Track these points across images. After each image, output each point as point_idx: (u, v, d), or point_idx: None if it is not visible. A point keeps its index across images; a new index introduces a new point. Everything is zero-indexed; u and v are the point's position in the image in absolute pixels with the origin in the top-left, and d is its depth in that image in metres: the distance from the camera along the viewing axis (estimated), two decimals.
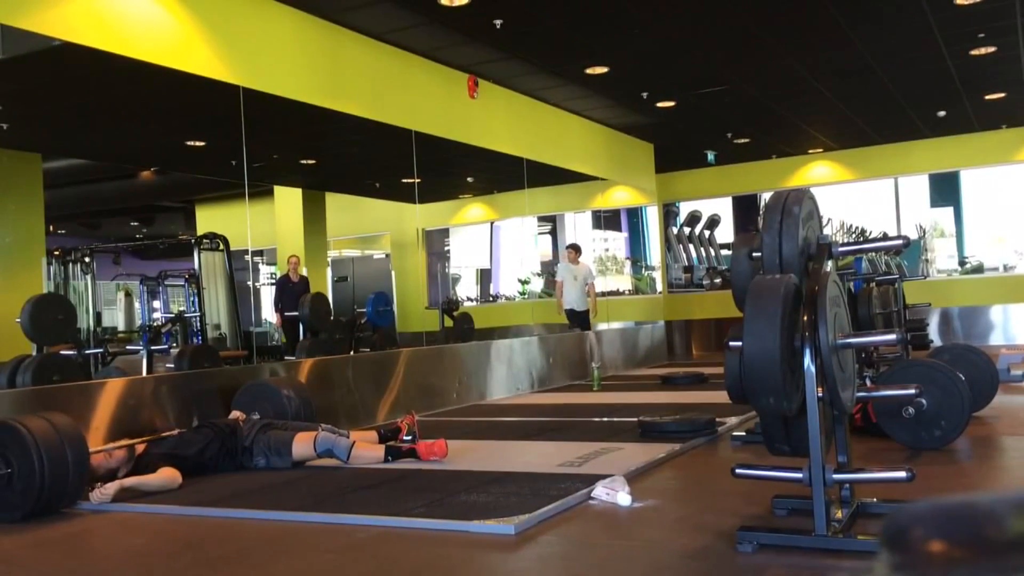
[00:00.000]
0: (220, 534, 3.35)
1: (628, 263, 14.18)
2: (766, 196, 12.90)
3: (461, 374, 7.53)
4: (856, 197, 12.76)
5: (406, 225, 13.38)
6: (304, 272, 10.60)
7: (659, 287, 13.10)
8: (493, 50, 7.36)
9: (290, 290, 9.85)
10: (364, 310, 10.70)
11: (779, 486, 3.00)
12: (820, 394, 2.59)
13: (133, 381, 5.14)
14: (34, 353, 6.75)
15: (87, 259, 9.44)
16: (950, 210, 12.82)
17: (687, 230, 13.87)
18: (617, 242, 14.55)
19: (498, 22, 6.59)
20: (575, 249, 10.81)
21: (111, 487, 3.86)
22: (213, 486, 4.08)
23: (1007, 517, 0.62)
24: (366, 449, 4.46)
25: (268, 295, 12.34)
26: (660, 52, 7.70)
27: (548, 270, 13.76)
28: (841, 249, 2.91)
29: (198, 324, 9.76)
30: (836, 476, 2.66)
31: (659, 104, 9.50)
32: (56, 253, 9.34)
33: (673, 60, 7.97)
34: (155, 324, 10.83)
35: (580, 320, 10.56)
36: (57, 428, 3.73)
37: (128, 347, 8.62)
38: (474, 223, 13.92)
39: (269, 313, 11.80)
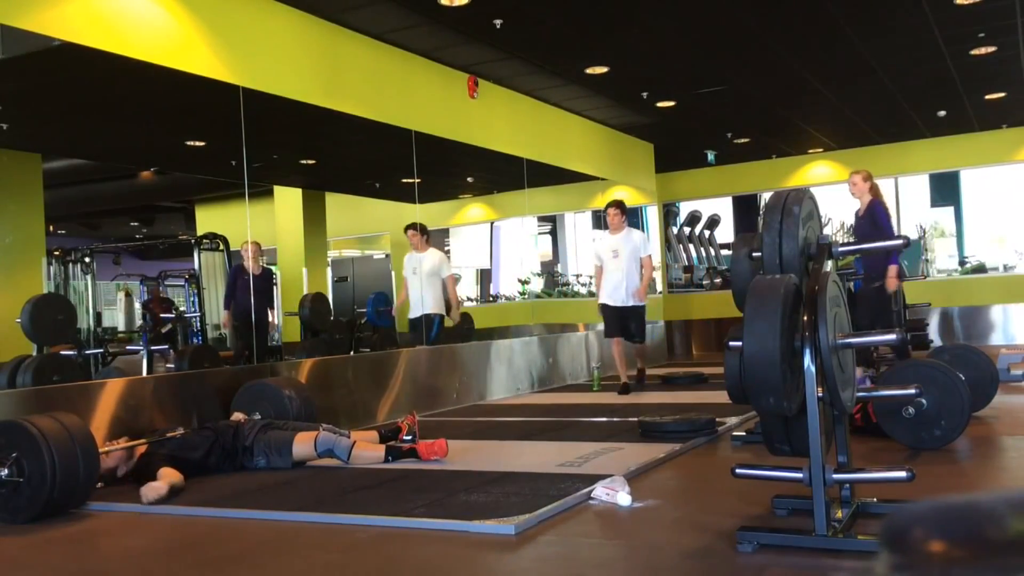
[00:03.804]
0: (220, 534, 3.35)
1: None
2: (766, 196, 12.90)
3: (461, 374, 7.53)
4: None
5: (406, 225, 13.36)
6: (267, 264, 8.84)
7: (659, 287, 13.10)
8: (493, 50, 7.36)
9: (244, 283, 8.15)
10: (364, 310, 10.69)
11: (779, 486, 3.00)
12: (820, 394, 2.59)
13: (133, 381, 5.14)
14: (34, 353, 6.75)
15: (87, 259, 9.44)
16: (950, 210, 12.82)
17: (687, 230, 13.86)
18: None
19: (498, 22, 6.59)
20: (420, 231, 8.18)
21: (164, 488, 3.85)
22: (213, 486, 4.08)
23: (1007, 517, 0.62)
24: (367, 449, 4.46)
25: None
26: (660, 52, 7.70)
27: (548, 270, 13.74)
28: (841, 249, 2.91)
29: (198, 324, 9.76)
30: (836, 476, 2.66)
31: (659, 104, 9.49)
32: (56, 253, 9.33)
33: (673, 60, 7.97)
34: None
35: (423, 326, 7.94)
36: (71, 433, 3.70)
37: (128, 347, 8.63)
38: (474, 223, 13.91)
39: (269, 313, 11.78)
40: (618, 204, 7.64)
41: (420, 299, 8.01)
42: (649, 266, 7.53)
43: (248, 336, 7.70)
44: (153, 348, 8.01)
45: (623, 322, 7.47)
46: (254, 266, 8.17)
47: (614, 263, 7.46)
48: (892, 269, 6.39)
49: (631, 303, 7.42)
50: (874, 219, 6.28)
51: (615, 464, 4.07)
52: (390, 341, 9.90)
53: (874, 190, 6.46)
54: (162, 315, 9.88)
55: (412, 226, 8.19)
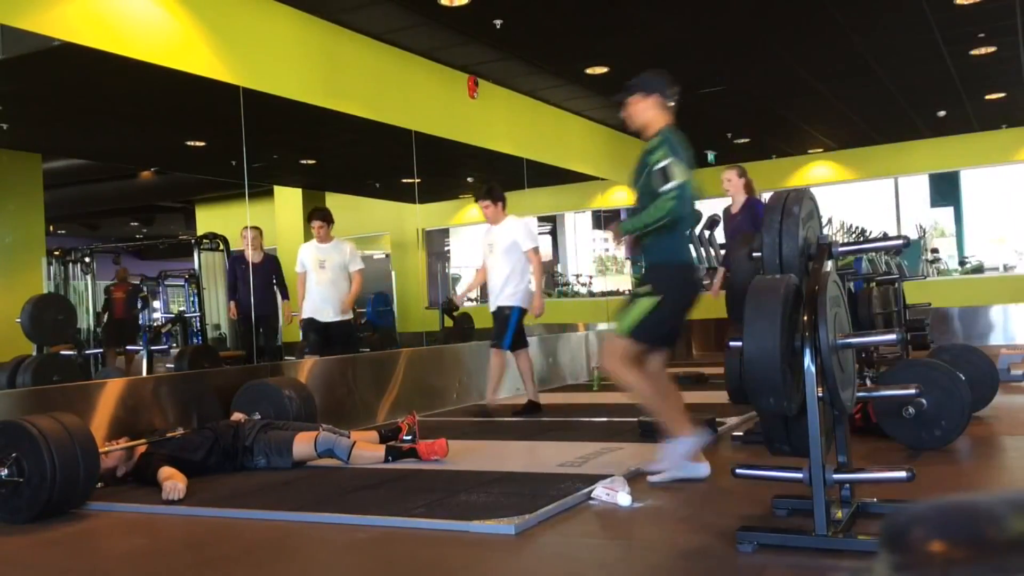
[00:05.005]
0: (220, 534, 3.35)
1: (628, 263, 14.18)
2: (766, 196, 12.89)
3: (461, 374, 7.53)
4: (856, 197, 12.77)
5: (406, 225, 13.38)
6: (266, 250, 7.81)
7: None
8: (493, 50, 7.36)
9: (243, 273, 7.24)
10: (364, 310, 10.68)
11: (779, 486, 3.00)
12: (820, 394, 2.59)
13: (133, 381, 5.14)
14: (34, 353, 6.75)
15: (87, 259, 9.44)
16: (950, 210, 12.83)
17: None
18: None
19: (498, 22, 6.59)
20: (323, 219, 6.80)
21: (183, 486, 3.87)
22: (213, 486, 4.08)
23: (1007, 517, 0.62)
24: (366, 449, 4.46)
25: None
26: (660, 52, 7.70)
27: (548, 270, 13.72)
28: (841, 249, 2.91)
29: (198, 324, 9.76)
30: (836, 476, 2.66)
31: None
32: (56, 253, 9.34)
33: (673, 60, 7.96)
34: (155, 324, 10.83)
35: (330, 335, 6.72)
36: (71, 433, 3.70)
37: (128, 347, 8.63)
38: (474, 223, 13.91)
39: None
40: (488, 192, 6.31)
41: (326, 299, 6.68)
42: (536, 262, 6.24)
43: (249, 331, 7.25)
44: (91, 348, 7.65)
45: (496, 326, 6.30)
46: (253, 254, 7.36)
47: (491, 260, 6.32)
48: None
49: (499, 303, 6.24)
50: (754, 218, 5.88)
51: (615, 464, 4.07)
52: (390, 341, 9.91)
53: (749, 187, 6.10)
54: (134, 309, 8.98)
55: (319, 214, 6.83)
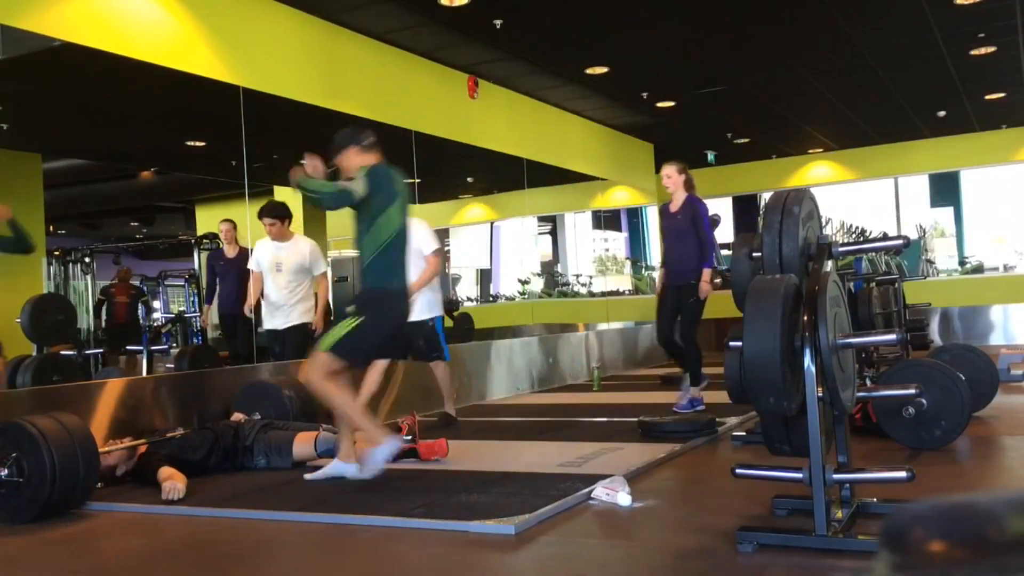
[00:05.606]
0: (220, 534, 3.35)
1: (628, 263, 14.18)
2: (766, 196, 12.90)
3: (461, 374, 7.52)
4: (856, 197, 12.77)
5: None
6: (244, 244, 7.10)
7: (659, 287, 13.08)
8: (493, 50, 7.37)
9: (223, 269, 6.92)
10: None
11: (779, 486, 3.00)
12: (820, 394, 2.59)
13: (133, 381, 5.14)
14: (34, 353, 6.75)
15: (87, 259, 9.44)
16: (950, 210, 12.83)
17: None
18: (617, 242, 14.56)
19: (498, 22, 6.59)
20: (271, 214, 5.99)
21: (182, 486, 3.86)
22: (213, 486, 4.08)
23: (1007, 517, 0.62)
24: None
25: None
26: (660, 52, 7.71)
27: (548, 270, 13.72)
28: (841, 249, 2.92)
29: (198, 324, 9.76)
30: (836, 476, 2.66)
31: (659, 104, 9.50)
32: (56, 253, 9.33)
33: (673, 60, 7.97)
34: (155, 324, 10.83)
35: (288, 341, 5.99)
36: (71, 433, 3.69)
37: (128, 347, 8.62)
38: (474, 223, 13.91)
39: None
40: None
41: (282, 307, 5.98)
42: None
43: (234, 329, 6.89)
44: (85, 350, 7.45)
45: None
46: (230, 249, 7.02)
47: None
48: (707, 273, 5.64)
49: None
50: (695, 218, 5.63)
51: (615, 464, 4.07)
52: None
53: (689, 185, 5.77)
54: (138, 310, 8.78)
55: (266, 210, 6.06)
